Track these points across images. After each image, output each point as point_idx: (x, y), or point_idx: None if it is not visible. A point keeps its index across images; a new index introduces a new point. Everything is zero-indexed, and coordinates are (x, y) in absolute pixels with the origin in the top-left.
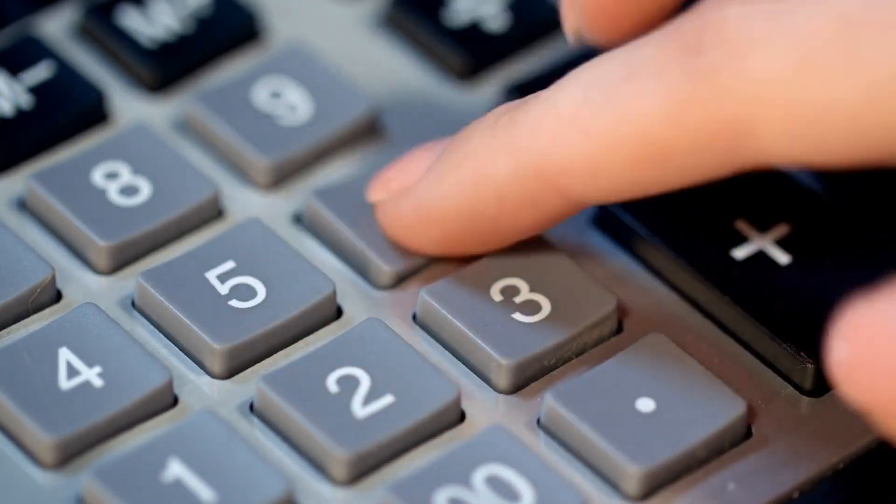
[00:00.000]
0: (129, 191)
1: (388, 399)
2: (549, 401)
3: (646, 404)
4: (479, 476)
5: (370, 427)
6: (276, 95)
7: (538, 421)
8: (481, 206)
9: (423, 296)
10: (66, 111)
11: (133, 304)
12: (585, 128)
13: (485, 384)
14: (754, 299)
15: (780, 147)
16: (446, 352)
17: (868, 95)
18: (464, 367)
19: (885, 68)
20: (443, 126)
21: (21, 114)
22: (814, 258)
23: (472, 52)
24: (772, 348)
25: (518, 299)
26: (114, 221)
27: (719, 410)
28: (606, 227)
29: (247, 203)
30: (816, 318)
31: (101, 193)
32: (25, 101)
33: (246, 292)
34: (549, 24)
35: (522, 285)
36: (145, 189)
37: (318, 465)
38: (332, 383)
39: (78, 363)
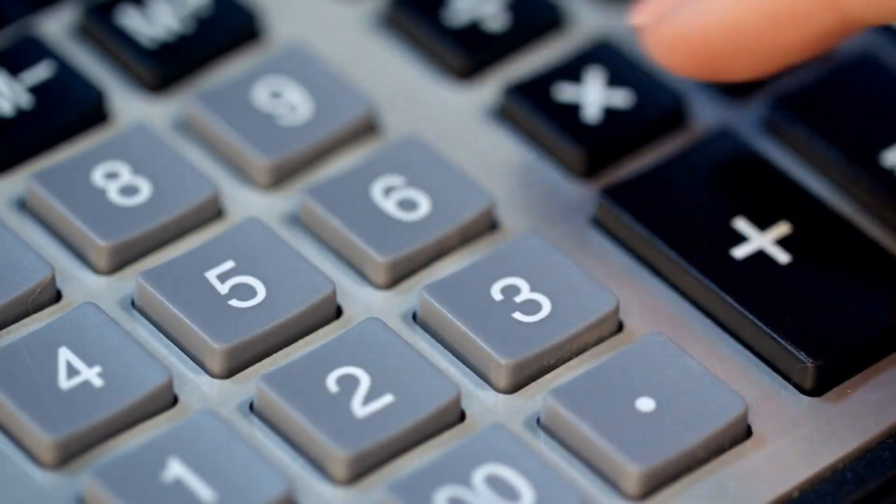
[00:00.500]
0: (129, 191)
1: (387, 399)
2: (548, 400)
3: (646, 404)
4: (479, 476)
5: (370, 427)
6: (276, 95)
7: (538, 420)
8: (750, 19)
9: (423, 295)
10: (66, 111)
11: (133, 303)
12: None
13: (485, 384)
14: (754, 299)
15: None
16: (446, 351)
17: None
18: (463, 366)
19: None
20: (443, 126)
21: (21, 114)
22: (814, 258)
23: (472, 52)
24: (772, 348)
25: (518, 299)
26: (114, 221)
27: (719, 410)
28: (606, 227)
29: (246, 203)
30: (816, 318)
31: (101, 193)
32: (25, 101)
33: (246, 292)
34: (549, 24)
35: (522, 285)
36: (145, 189)
37: (317, 465)
38: (331, 383)
39: (78, 363)
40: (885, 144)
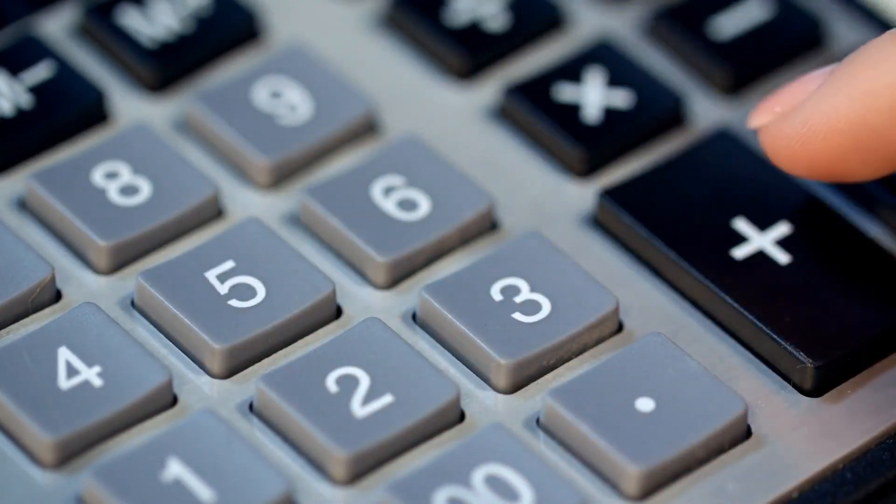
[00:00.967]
0: (129, 191)
1: (387, 399)
2: (548, 401)
3: (645, 404)
4: (479, 476)
5: (370, 427)
6: (276, 95)
7: (537, 421)
8: (873, 117)
9: (423, 295)
10: (66, 111)
11: (133, 303)
12: None
13: (484, 384)
14: (754, 299)
15: None
16: (446, 351)
17: None
18: (463, 366)
19: None
20: (443, 126)
21: (21, 114)
22: (814, 258)
23: (472, 52)
24: (772, 348)
25: (518, 299)
26: (114, 221)
27: (719, 410)
28: (606, 227)
29: (246, 203)
30: (816, 318)
31: (101, 193)
32: (25, 101)
33: (245, 292)
34: (549, 24)
35: (522, 285)
36: (145, 189)
37: (317, 465)
38: (331, 383)
39: (77, 363)
40: None
